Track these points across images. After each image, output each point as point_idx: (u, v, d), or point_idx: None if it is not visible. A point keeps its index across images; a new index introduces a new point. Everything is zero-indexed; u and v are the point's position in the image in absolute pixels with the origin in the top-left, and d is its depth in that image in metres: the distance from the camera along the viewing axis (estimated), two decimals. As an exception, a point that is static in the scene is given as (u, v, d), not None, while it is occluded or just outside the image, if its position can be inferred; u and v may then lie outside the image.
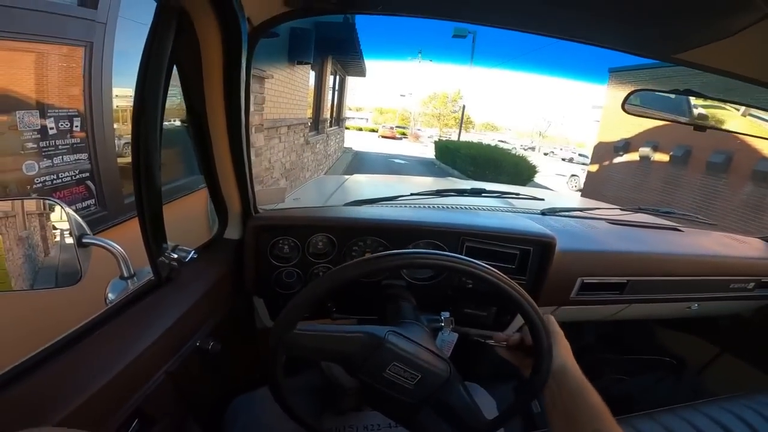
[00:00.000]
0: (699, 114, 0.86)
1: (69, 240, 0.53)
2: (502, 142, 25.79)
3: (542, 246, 0.87)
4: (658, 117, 0.88)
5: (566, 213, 1.19)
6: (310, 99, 6.37)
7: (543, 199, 1.28)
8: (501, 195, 1.28)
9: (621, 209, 1.30)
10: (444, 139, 18.04)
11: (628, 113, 0.86)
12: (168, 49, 0.53)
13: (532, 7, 0.67)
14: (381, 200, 1.10)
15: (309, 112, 6.44)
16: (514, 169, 9.74)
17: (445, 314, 0.69)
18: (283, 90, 4.35)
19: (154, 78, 0.52)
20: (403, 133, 26.84)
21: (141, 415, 0.52)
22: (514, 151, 12.36)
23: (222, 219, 0.85)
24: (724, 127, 0.85)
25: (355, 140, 16.30)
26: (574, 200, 1.50)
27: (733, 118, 0.86)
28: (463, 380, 0.56)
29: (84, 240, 0.54)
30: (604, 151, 9.32)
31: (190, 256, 0.68)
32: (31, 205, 0.52)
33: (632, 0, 0.56)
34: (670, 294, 1.03)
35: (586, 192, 9.16)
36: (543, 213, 1.17)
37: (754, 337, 1.26)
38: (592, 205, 1.30)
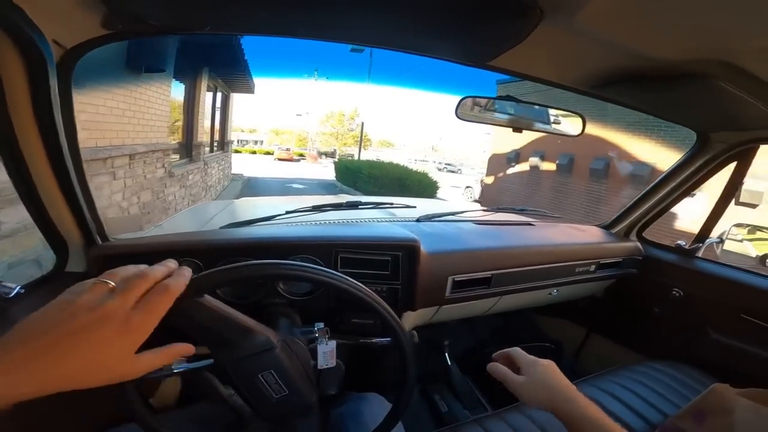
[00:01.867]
0: (518, 117, 1.07)
1: None
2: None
3: (408, 250, 0.99)
4: (486, 121, 1.07)
5: (438, 218, 1.36)
6: (176, 119, 5.80)
7: (415, 207, 1.46)
8: (376, 206, 1.42)
9: (484, 210, 1.53)
10: (344, 159, 18.14)
11: (461, 119, 1.03)
12: None
13: (347, 19, 0.75)
14: (256, 221, 1.13)
15: (176, 136, 5.85)
16: (417, 187, 10.51)
17: (319, 325, 0.73)
18: (119, 106, 3.55)
19: None
20: (301, 155, 27.20)
21: None
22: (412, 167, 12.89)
23: (60, 251, 0.82)
24: (534, 128, 1.08)
25: (247, 165, 15.96)
26: (446, 206, 1.72)
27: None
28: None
29: None
30: (497, 162, 10.71)
31: (15, 291, 0.66)
32: None
33: (436, 11, 0.66)
34: (531, 283, 1.24)
35: (483, 202, 10.52)
36: (418, 220, 1.32)
37: (610, 315, 1.58)
38: (461, 209, 1.51)
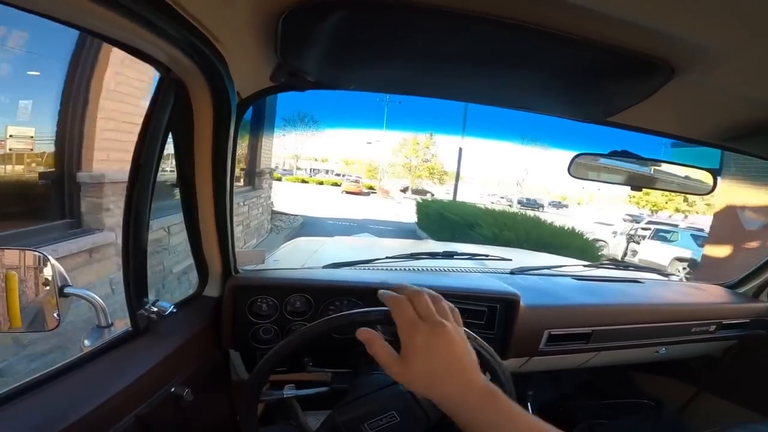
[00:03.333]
0: (637, 174, 1.13)
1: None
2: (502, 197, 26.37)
3: (507, 303, 1.07)
4: (601, 180, 1.14)
5: (533, 272, 1.41)
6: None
7: (511, 260, 1.51)
8: (472, 257, 1.51)
9: (585, 265, 1.56)
10: (429, 199, 14.90)
11: (574, 177, 1.11)
12: (165, 117, 0.69)
13: (475, 81, 0.87)
14: (357, 263, 1.28)
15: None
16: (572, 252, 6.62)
17: None
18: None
19: (151, 144, 0.68)
20: (371, 188, 26.76)
21: None
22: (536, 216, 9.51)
23: (202, 277, 1.00)
24: (656, 185, 1.12)
25: (312, 198, 16.10)
26: (542, 259, 1.76)
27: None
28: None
29: (65, 290, 0.65)
30: (729, 224, 6.18)
31: (169, 310, 0.80)
32: (29, 256, 0.64)
33: (561, 71, 0.73)
34: (635, 340, 1.24)
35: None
36: (512, 272, 1.38)
37: (727, 375, 1.49)
38: (558, 263, 1.55)
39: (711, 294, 1.49)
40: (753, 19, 0.47)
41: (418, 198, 13.73)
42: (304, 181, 26.99)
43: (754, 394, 1.42)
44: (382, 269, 1.30)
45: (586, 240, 8.27)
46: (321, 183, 28.24)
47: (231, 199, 0.90)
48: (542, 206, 24.43)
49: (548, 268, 1.47)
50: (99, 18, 0.46)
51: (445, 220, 9.14)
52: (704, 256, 7.13)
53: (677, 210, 20.04)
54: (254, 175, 6.75)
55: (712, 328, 1.32)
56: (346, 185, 23.99)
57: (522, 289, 1.14)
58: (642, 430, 1.60)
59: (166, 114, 0.70)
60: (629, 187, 1.12)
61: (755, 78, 0.63)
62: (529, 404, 1.55)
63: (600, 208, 21.33)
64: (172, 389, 0.75)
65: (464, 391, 0.45)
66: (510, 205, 21.16)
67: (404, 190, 26.00)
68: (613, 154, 1.11)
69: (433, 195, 21.19)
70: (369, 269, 1.28)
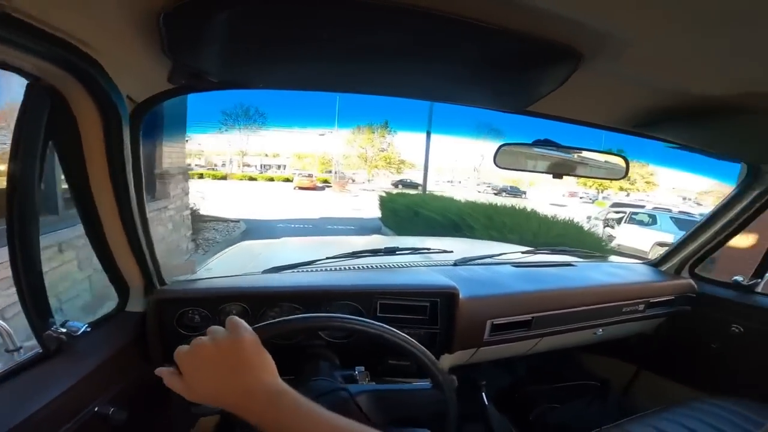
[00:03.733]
0: (557, 163, 1.18)
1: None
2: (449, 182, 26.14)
3: (447, 296, 1.10)
4: (526, 168, 1.18)
5: (475, 262, 1.45)
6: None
7: (452, 251, 1.54)
8: (414, 251, 1.53)
9: (523, 252, 1.61)
10: (396, 192, 13.33)
11: (500, 167, 1.14)
12: (41, 126, 0.63)
13: (391, 75, 0.86)
14: (297, 266, 1.27)
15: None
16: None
17: (360, 368, 0.83)
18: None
19: (27, 155, 0.62)
20: (326, 181, 25.04)
21: None
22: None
23: (122, 292, 0.96)
24: (576, 172, 1.18)
25: (259, 197, 14.92)
26: (483, 248, 1.82)
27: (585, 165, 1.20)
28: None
29: None
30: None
31: (82, 329, 0.78)
32: None
33: (475, 62, 0.73)
34: (573, 324, 1.30)
35: None
36: (455, 264, 1.41)
37: (661, 353, 1.61)
38: (497, 251, 1.60)
39: (638, 273, 1.61)
40: (656, 6, 0.49)
41: (383, 192, 11.35)
42: (252, 179, 25.33)
43: (688, 371, 1.55)
44: (325, 270, 1.28)
45: (592, 234, 7.56)
46: (271, 179, 26.14)
47: (143, 211, 0.86)
48: (525, 193, 24.17)
49: (489, 257, 1.52)
50: None
51: (418, 218, 7.61)
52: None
53: (621, 188, 21.31)
54: (153, 182, 5.38)
55: (641, 306, 1.43)
56: (298, 180, 22.24)
57: (463, 281, 1.18)
58: (591, 411, 1.70)
59: (41, 124, 0.64)
60: (551, 175, 1.17)
61: (659, 65, 0.67)
62: (483, 393, 1.63)
63: (548, 190, 22.23)
64: (96, 409, 0.73)
65: (246, 396, 0.47)
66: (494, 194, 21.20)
67: (396, 184, 24.72)
68: (536, 143, 1.16)
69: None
70: (310, 271, 1.27)
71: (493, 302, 1.19)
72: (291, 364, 0.89)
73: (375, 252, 1.44)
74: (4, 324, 0.75)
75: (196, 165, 23.40)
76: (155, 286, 0.98)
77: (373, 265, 1.35)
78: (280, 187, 22.07)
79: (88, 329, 0.80)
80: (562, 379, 1.83)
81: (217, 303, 1.01)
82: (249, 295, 1.03)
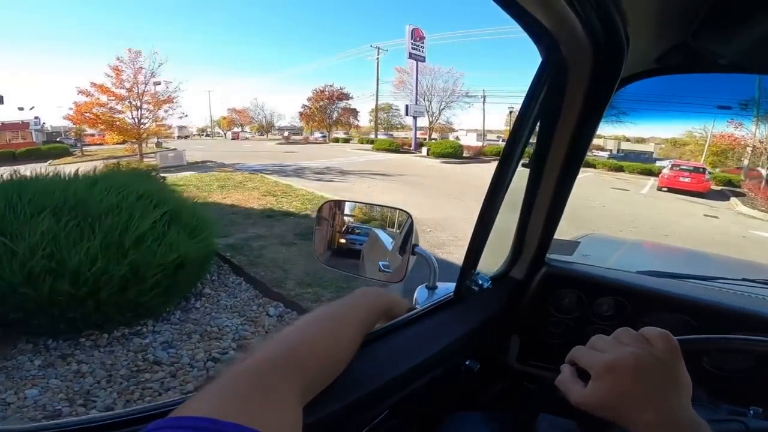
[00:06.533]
0: None
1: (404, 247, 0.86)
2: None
3: None
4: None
5: None
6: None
7: None
8: None
9: None
10: None
11: None
12: (539, 98, 0.75)
13: None
14: (688, 277, 1.12)
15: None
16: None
17: (756, 409, 0.70)
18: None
19: (522, 126, 0.76)
20: (730, 182, 13.39)
21: (393, 410, 0.69)
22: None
23: (513, 257, 1.07)
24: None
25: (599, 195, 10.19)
26: None
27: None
28: None
29: (416, 250, 0.85)
30: None
31: (487, 285, 0.93)
32: (401, 215, 0.89)
33: None
34: None
35: None
36: None
37: None
38: None
39: None
40: None
41: None
42: (589, 164, 17.45)
43: None
44: (719, 289, 1.06)
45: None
46: (620, 168, 17.81)
47: (572, 183, 0.91)
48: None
49: None
50: None
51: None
52: None
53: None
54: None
55: None
56: (668, 175, 12.19)
57: None
58: None
59: (540, 96, 0.76)
60: None
61: None
62: None
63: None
64: (467, 362, 0.86)
65: (665, 420, 0.45)
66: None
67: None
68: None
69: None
70: (700, 285, 1.09)
71: None
72: None
73: None
74: (436, 264, 0.90)
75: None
76: (541, 260, 1.06)
77: None
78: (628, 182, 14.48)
79: (490, 285, 0.93)
80: None
81: (597, 292, 1.01)
82: (633, 292, 0.99)
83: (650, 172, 15.72)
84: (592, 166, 17.23)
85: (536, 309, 1.05)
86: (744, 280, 1.11)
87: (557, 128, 0.81)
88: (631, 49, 0.69)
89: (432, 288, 0.93)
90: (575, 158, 0.84)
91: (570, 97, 0.77)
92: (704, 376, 0.86)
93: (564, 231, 1.11)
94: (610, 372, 0.48)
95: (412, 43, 29.20)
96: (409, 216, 0.86)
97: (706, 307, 0.93)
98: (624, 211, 9.14)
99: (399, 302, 0.78)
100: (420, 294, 0.93)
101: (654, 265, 1.19)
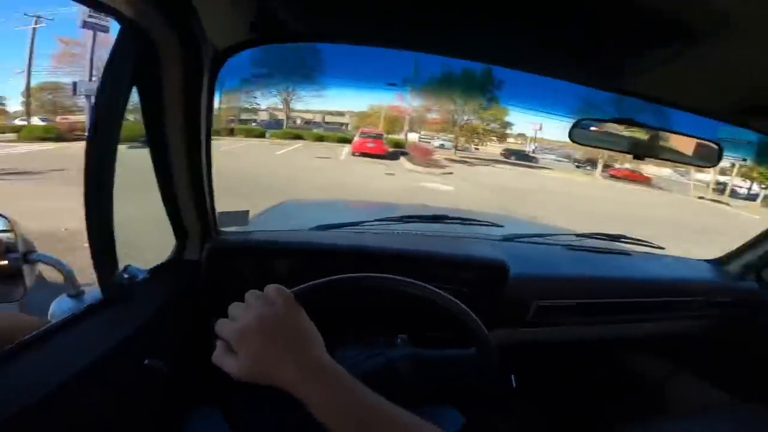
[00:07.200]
0: (639, 143, 1.12)
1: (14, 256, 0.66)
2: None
3: (495, 271, 1.13)
4: (604, 147, 1.14)
5: (525, 239, 1.46)
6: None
7: (503, 226, 1.53)
8: (463, 221, 1.53)
9: (576, 235, 1.59)
10: None
11: (576, 142, 1.12)
12: (129, 70, 0.70)
13: (481, 38, 0.86)
14: (346, 225, 1.32)
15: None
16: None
17: (402, 336, 0.86)
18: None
19: (111, 100, 0.68)
20: (398, 144, 17.98)
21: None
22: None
23: (180, 239, 1.02)
24: (661, 155, 1.11)
25: (307, 166, 11.14)
26: (536, 227, 1.79)
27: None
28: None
29: (30, 257, 0.68)
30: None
31: (143, 276, 0.83)
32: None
33: (573, 32, 0.73)
34: (622, 315, 1.31)
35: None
36: (503, 239, 1.43)
37: (708, 355, 1.58)
38: (550, 231, 1.60)
39: (698, 270, 1.58)
40: None
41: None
42: (298, 137, 19.22)
43: (732, 377, 1.51)
44: (372, 232, 1.34)
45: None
46: (321, 139, 19.28)
47: (209, 159, 0.92)
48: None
49: (540, 236, 1.52)
50: None
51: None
52: None
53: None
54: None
55: (696, 305, 1.41)
56: (358, 141, 14.75)
57: (512, 257, 1.19)
58: (624, 408, 1.68)
59: (129, 68, 0.70)
60: (632, 156, 1.13)
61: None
62: (512, 377, 1.66)
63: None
64: (146, 362, 0.76)
65: (298, 372, 0.47)
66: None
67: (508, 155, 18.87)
68: (616, 121, 1.11)
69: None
70: (358, 232, 1.33)
71: (542, 283, 1.21)
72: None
73: (422, 218, 1.46)
74: (68, 267, 0.75)
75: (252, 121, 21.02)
76: (211, 235, 1.04)
77: (420, 232, 1.39)
78: (331, 150, 15.60)
79: (147, 276, 0.84)
80: (596, 374, 1.81)
81: (270, 257, 1.07)
82: (302, 251, 1.08)
83: (346, 140, 17.57)
84: (300, 137, 18.81)
85: (220, 286, 1.02)
86: (375, 221, 1.38)
87: (166, 102, 0.79)
88: (220, 20, 0.72)
89: (76, 295, 0.78)
90: (196, 129, 0.84)
91: (169, 71, 0.75)
92: (357, 316, 1.00)
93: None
94: (243, 339, 0.49)
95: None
96: (6, 218, 0.69)
97: (354, 252, 1.09)
98: (329, 177, 9.98)
99: (21, 321, 0.64)
100: (59, 306, 0.77)
101: (328, 220, 1.34)
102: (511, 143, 21.87)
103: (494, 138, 20.39)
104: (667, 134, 1.11)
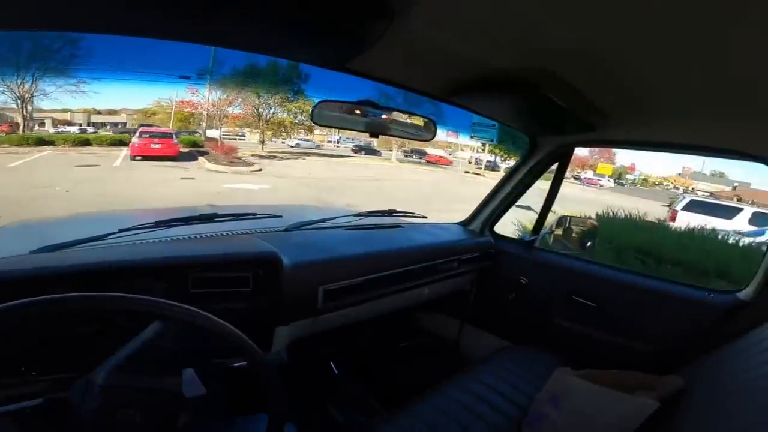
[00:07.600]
0: (374, 122, 1.27)
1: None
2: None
3: (268, 264, 1.09)
4: (344, 126, 1.26)
5: (306, 227, 1.48)
6: None
7: (281, 216, 1.50)
8: (237, 217, 1.41)
9: (354, 215, 1.70)
10: None
11: (318, 124, 1.20)
12: None
13: (195, 17, 0.79)
14: (82, 242, 1.05)
15: None
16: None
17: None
18: None
19: None
20: (195, 143, 15.84)
21: None
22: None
23: None
24: (390, 132, 1.30)
25: (63, 178, 8.22)
26: (315, 213, 1.86)
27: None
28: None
29: None
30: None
31: None
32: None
33: (286, 10, 0.73)
34: (403, 284, 1.45)
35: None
36: (287, 230, 1.41)
37: (477, 306, 1.93)
38: (330, 215, 1.65)
39: (452, 232, 1.87)
40: None
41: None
42: (43, 142, 13.38)
43: (498, 322, 1.87)
44: (123, 245, 1.09)
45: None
46: (87, 142, 14.34)
47: None
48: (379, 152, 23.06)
49: (320, 221, 1.55)
50: None
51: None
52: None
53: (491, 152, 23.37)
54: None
55: (456, 264, 1.67)
56: (137, 143, 12.13)
57: (293, 246, 1.19)
58: (433, 367, 1.94)
59: None
60: (368, 134, 1.27)
61: (461, 32, 0.75)
62: (332, 363, 1.73)
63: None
64: None
65: None
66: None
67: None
68: (354, 103, 1.22)
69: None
70: (103, 247, 1.07)
71: (322, 268, 1.22)
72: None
73: (188, 220, 1.29)
74: None
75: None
76: None
77: (188, 236, 1.22)
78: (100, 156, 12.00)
79: None
80: (404, 339, 2.06)
81: None
82: (12, 283, 0.84)
83: (122, 143, 14.14)
84: (50, 143, 13.71)
85: None
86: (121, 231, 1.11)
87: None
88: None
89: None
90: None
91: None
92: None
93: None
94: None
95: None
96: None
97: (94, 269, 0.91)
98: (97, 191, 7.68)
99: None
100: None
101: (65, 238, 1.05)
102: (317, 135, 21.99)
103: (302, 131, 20.07)
104: (398, 113, 1.30)
